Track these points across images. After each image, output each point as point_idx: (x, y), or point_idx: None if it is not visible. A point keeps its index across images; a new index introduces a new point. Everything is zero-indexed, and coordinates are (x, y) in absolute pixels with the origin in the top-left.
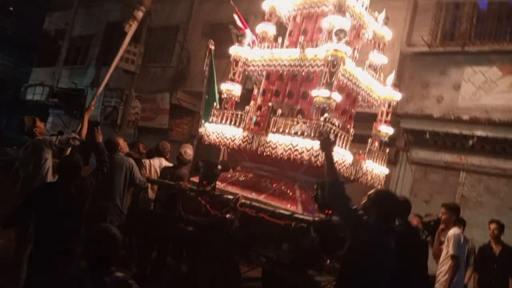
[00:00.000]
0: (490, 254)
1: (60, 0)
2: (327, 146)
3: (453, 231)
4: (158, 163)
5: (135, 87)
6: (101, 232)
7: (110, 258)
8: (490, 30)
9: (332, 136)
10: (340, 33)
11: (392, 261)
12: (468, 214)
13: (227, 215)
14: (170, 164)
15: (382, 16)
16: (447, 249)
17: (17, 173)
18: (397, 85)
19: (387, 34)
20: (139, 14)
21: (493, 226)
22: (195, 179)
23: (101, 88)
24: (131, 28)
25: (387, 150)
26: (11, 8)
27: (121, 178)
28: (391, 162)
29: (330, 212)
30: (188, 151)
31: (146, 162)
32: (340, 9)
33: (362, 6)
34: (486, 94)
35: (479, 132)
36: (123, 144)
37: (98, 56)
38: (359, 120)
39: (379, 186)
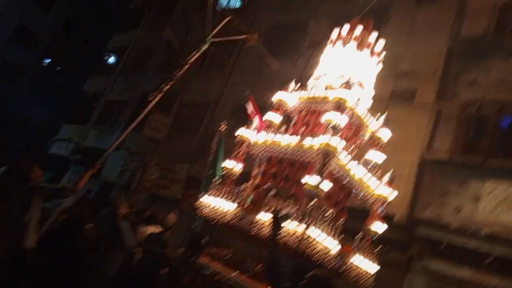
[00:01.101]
0: None
1: (105, 66)
2: (276, 228)
3: None
4: (152, 230)
5: (156, 155)
6: None
7: None
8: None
9: (286, 217)
10: (333, 129)
11: None
12: None
13: None
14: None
15: (382, 118)
16: None
17: None
18: (393, 182)
19: (386, 134)
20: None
21: None
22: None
23: (110, 149)
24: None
25: (377, 249)
26: (59, 68)
27: None
28: (402, 269)
29: None
30: (172, 215)
31: (139, 228)
32: (339, 107)
33: (363, 108)
34: (507, 211)
35: (498, 251)
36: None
37: (128, 121)
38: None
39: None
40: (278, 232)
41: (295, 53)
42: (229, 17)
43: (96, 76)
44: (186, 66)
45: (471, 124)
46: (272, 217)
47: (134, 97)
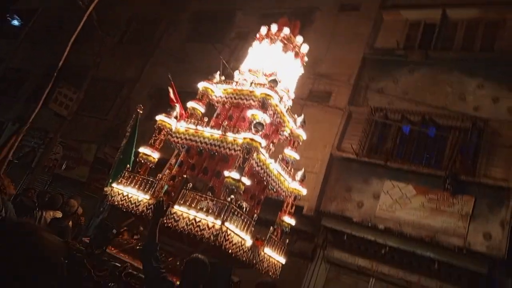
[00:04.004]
0: None
1: (8, 28)
2: (158, 212)
3: None
4: (52, 216)
5: (62, 132)
6: None
7: None
8: (410, 152)
9: (165, 206)
10: (258, 125)
11: None
12: None
13: (110, 284)
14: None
15: (300, 118)
16: None
17: None
18: (304, 181)
19: (302, 134)
20: None
21: None
22: (87, 239)
23: (26, 127)
24: None
25: (287, 241)
26: None
27: None
28: (308, 258)
29: None
30: (72, 202)
31: (38, 213)
32: (263, 105)
33: (285, 107)
34: (401, 208)
35: (391, 243)
36: (7, 184)
37: (31, 93)
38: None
39: (274, 276)
40: (160, 217)
41: (221, 42)
42: None
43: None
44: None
45: (376, 128)
46: (157, 202)
47: (40, 68)
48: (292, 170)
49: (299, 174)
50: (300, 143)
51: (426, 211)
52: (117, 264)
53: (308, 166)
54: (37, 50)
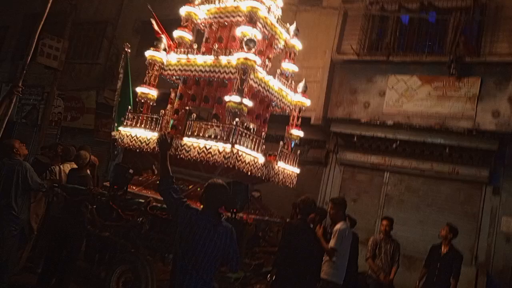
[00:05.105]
0: (437, 254)
1: None
2: (163, 146)
3: (339, 225)
4: (69, 168)
5: (57, 84)
6: None
7: None
8: (411, 43)
9: (168, 139)
10: (249, 42)
11: (215, 237)
12: (392, 211)
13: (139, 219)
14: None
15: (293, 27)
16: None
17: None
18: (306, 92)
19: (298, 44)
20: None
21: (445, 230)
22: (107, 183)
23: (19, 84)
24: None
25: (298, 152)
26: None
27: (12, 183)
28: (322, 163)
29: (235, 210)
30: (83, 153)
31: (56, 168)
32: (251, 20)
33: (275, 17)
34: (408, 101)
35: (401, 136)
36: (19, 146)
37: (15, 50)
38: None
39: (291, 185)
40: (167, 150)
41: None
42: None
43: None
44: None
45: (374, 23)
46: (159, 137)
47: (17, 22)
48: (293, 82)
49: (301, 86)
50: (297, 54)
51: (433, 99)
52: (140, 200)
53: (309, 75)
54: (7, 3)
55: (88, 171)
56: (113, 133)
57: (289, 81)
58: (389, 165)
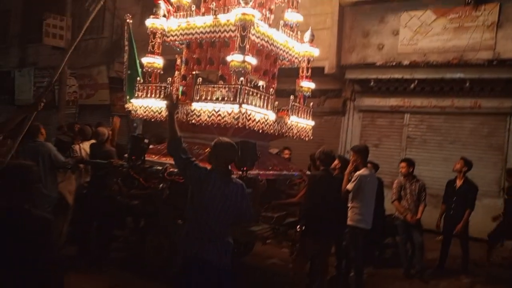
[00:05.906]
0: (452, 188)
1: None
2: (170, 107)
3: (360, 172)
4: (88, 145)
5: (68, 64)
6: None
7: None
8: None
9: (174, 99)
10: None
11: (226, 193)
12: (414, 152)
13: (160, 185)
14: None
15: None
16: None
17: None
18: (313, 41)
19: None
20: None
21: (460, 163)
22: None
23: (56, 75)
24: None
25: (311, 104)
26: None
27: (39, 164)
28: (339, 112)
29: (246, 168)
30: (101, 129)
31: (76, 146)
32: None
33: None
34: (423, 38)
35: (419, 75)
36: (42, 130)
37: (21, 34)
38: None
39: (306, 138)
40: (173, 111)
41: None
42: None
43: None
44: None
45: None
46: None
47: (16, 3)
48: (299, 33)
49: (307, 35)
50: (299, 1)
51: (450, 32)
52: (158, 168)
53: (318, 23)
54: None
55: (109, 146)
56: (126, 106)
57: (295, 32)
58: (408, 106)
